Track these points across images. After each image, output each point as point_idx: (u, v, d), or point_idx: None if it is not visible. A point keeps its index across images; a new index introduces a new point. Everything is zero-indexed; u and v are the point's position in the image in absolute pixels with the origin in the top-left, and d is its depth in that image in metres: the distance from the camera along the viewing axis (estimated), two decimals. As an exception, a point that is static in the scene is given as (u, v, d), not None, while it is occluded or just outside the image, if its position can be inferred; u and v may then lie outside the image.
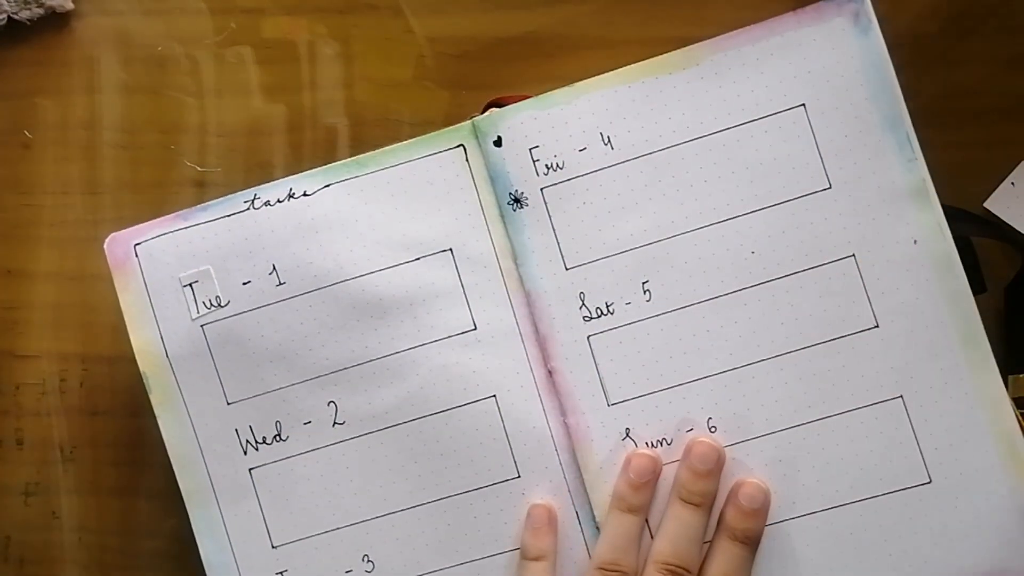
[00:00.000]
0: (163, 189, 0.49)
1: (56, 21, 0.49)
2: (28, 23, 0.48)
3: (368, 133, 0.48)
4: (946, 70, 0.46)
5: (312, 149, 0.48)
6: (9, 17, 0.48)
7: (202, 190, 0.48)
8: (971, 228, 0.45)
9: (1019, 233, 0.44)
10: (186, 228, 0.44)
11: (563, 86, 0.42)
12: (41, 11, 0.48)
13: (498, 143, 0.43)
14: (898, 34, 0.43)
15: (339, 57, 0.48)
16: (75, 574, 0.49)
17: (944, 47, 0.46)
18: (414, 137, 0.43)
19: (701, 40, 0.42)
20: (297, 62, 0.48)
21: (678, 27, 0.46)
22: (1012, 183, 0.45)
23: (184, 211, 0.44)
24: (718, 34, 0.42)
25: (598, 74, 0.42)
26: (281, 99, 0.48)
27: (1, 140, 0.49)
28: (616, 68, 0.42)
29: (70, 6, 0.49)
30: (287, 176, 0.43)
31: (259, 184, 0.43)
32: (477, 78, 0.47)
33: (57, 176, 0.49)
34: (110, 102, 0.49)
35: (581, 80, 0.42)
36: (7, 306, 0.49)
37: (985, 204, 0.45)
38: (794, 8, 0.42)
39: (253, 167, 0.48)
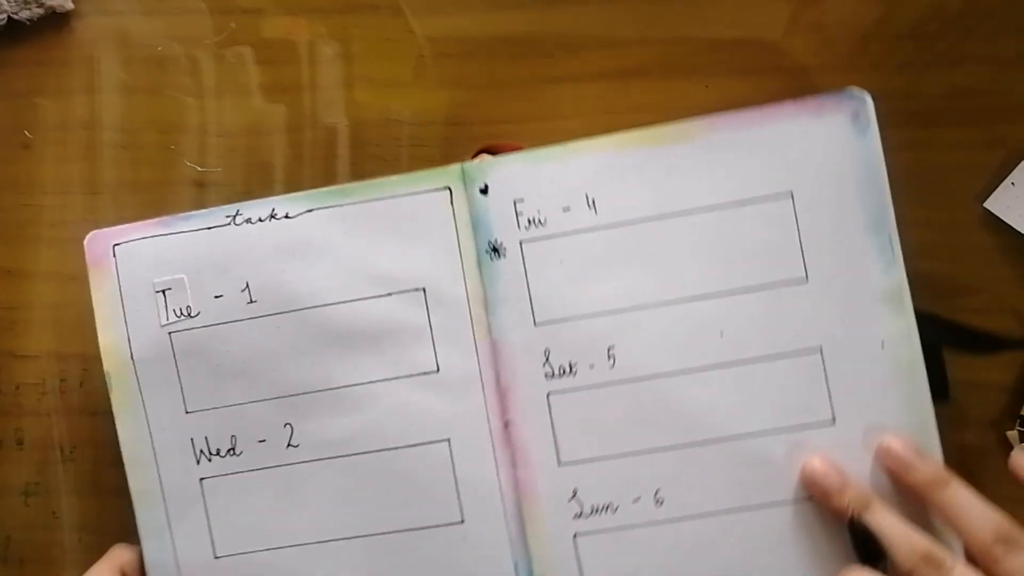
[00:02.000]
0: (163, 189, 0.48)
1: (56, 21, 0.49)
2: (28, 23, 0.48)
3: (368, 133, 0.48)
4: (946, 70, 0.46)
5: (312, 149, 0.48)
6: (9, 17, 0.48)
7: (202, 190, 0.48)
8: (944, 336, 0.45)
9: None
10: (166, 235, 0.44)
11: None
12: (41, 11, 0.48)
13: (484, 191, 0.42)
14: (898, 34, 0.42)
15: (339, 57, 0.48)
16: (75, 574, 0.49)
17: (944, 47, 0.46)
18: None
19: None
20: (297, 62, 0.48)
21: (678, 27, 0.46)
22: (1012, 183, 0.45)
23: (167, 218, 0.44)
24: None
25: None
26: (281, 99, 0.48)
27: (1, 140, 0.49)
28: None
29: (70, 6, 0.49)
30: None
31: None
32: (477, 78, 0.47)
33: (57, 176, 0.49)
34: (110, 102, 0.49)
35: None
36: (7, 306, 0.49)
37: (985, 204, 0.45)
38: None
39: (253, 167, 0.48)
